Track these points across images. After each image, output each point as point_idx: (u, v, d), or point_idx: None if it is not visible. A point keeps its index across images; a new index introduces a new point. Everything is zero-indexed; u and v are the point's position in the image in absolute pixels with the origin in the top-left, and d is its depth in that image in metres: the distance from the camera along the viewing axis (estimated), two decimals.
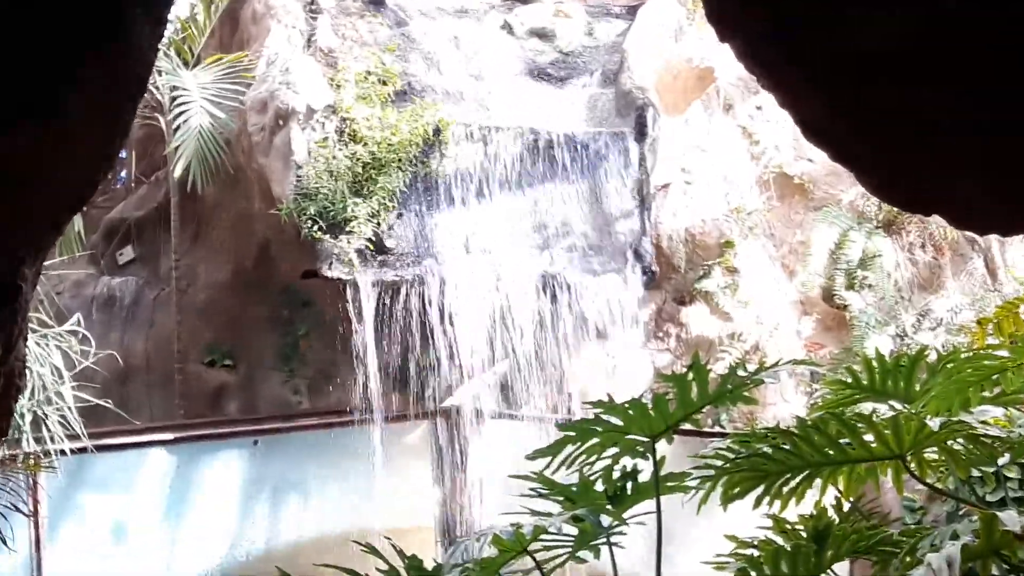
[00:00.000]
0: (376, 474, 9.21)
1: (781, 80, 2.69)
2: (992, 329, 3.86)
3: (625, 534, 4.90)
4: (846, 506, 5.25)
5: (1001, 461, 4.97)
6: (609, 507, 4.98)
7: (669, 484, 5.21)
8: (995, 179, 2.52)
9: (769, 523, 5.52)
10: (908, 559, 4.57)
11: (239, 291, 9.87)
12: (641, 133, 9.43)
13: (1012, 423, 5.01)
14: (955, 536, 4.41)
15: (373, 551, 5.34)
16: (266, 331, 9.81)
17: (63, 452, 7.41)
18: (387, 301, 8.72)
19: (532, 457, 5.07)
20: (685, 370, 4.95)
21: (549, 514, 5.10)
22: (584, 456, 4.98)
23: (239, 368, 10.01)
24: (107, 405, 7.75)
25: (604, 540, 4.85)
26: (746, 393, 4.91)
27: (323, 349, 9.03)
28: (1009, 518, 3.64)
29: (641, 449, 4.95)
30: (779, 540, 5.78)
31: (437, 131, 9.23)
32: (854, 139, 2.64)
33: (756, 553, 5.28)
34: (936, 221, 11.87)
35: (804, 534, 5.47)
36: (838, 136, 2.68)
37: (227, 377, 10.09)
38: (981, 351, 4.87)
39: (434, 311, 8.72)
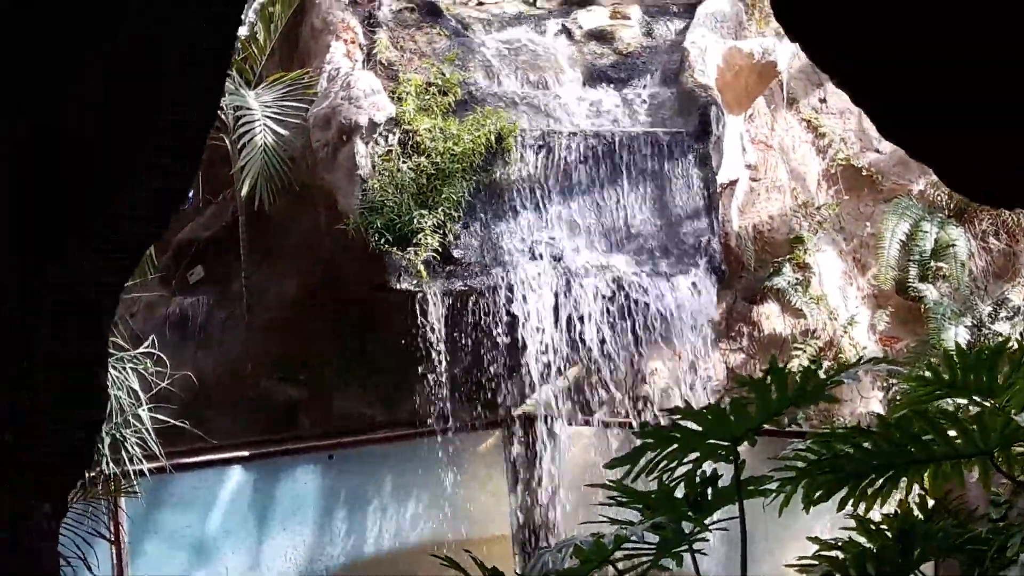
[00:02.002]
0: (451, 484, 9.11)
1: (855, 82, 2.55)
2: None
3: (708, 540, 4.72)
4: (931, 503, 5.03)
5: None
6: (690, 513, 4.82)
7: (751, 488, 5.03)
8: None
9: (852, 524, 5.32)
10: (998, 557, 4.33)
11: (308, 307, 9.80)
12: (705, 132, 9.22)
13: None
14: None
15: (452, 564, 5.20)
16: (336, 346, 9.74)
17: (142, 473, 7.39)
18: (456, 311, 8.61)
19: (611, 466, 4.91)
20: (763, 375, 4.78)
21: (630, 522, 4.95)
22: (664, 463, 4.81)
23: (310, 383, 9.95)
24: (183, 425, 7.71)
25: (686, 547, 4.69)
26: (827, 392, 4.73)
27: (394, 361, 8.92)
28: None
29: (723, 453, 4.78)
30: (863, 541, 5.57)
31: (499, 139, 9.09)
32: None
33: (840, 555, 5.07)
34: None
35: (889, 534, 5.25)
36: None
37: (299, 393, 10.03)
38: None
39: (503, 319, 8.59)
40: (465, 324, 8.60)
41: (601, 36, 10.75)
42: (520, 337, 8.66)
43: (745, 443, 4.66)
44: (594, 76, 10.27)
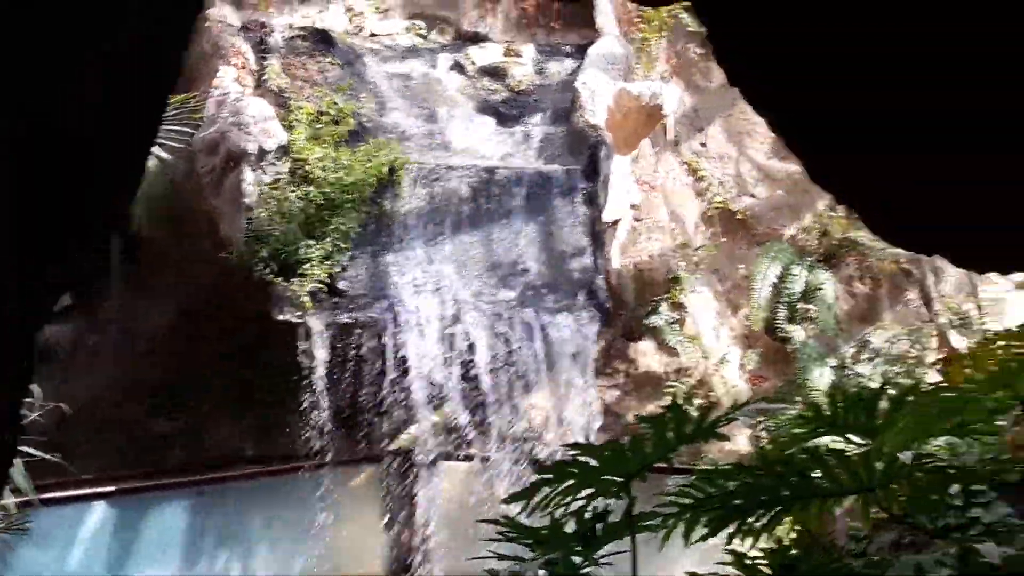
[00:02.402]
0: (325, 520, 8.96)
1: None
2: (968, 363, 3.79)
3: None
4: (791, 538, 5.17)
5: (953, 489, 4.93)
6: (579, 548, 4.85)
7: (642, 524, 5.08)
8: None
9: (728, 559, 5.42)
10: None
11: (185, 336, 9.55)
12: (593, 171, 9.36)
13: (955, 452, 4.98)
14: (920, 568, 4.31)
15: None
16: (213, 377, 9.49)
17: (2, 508, 7.09)
18: (340, 344, 8.50)
19: (508, 501, 4.91)
20: (663, 411, 4.86)
21: (520, 558, 4.95)
22: (559, 498, 4.84)
23: (184, 415, 9.67)
24: (51, 458, 7.39)
25: None
26: (718, 430, 4.82)
27: (273, 393, 8.76)
28: (988, 550, 3.54)
29: (615, 489, 4.83)
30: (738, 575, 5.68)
31: (392, 171, 9.06)
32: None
33: None
34: (874, 254, 11.96)
35: (766, 569, 5.36)
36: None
37: (171, 425, 9.74)
38: (943, 384, 4.81)
39: (388, 353, 8.52)
40: (349, 358, 8.49)
41: (494, 72, 10.83)
42: (402, 371, 8.60)
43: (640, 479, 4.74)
44: (486, 112, 10.33)
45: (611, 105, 10.33)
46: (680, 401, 10.51)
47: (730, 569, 5.72)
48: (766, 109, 2.43)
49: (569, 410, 8.97)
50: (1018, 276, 12.55)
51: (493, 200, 9.18)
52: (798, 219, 12.47)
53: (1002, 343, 3.59)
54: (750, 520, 4.68)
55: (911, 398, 4.99)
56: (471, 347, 8.65)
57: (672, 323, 11.00)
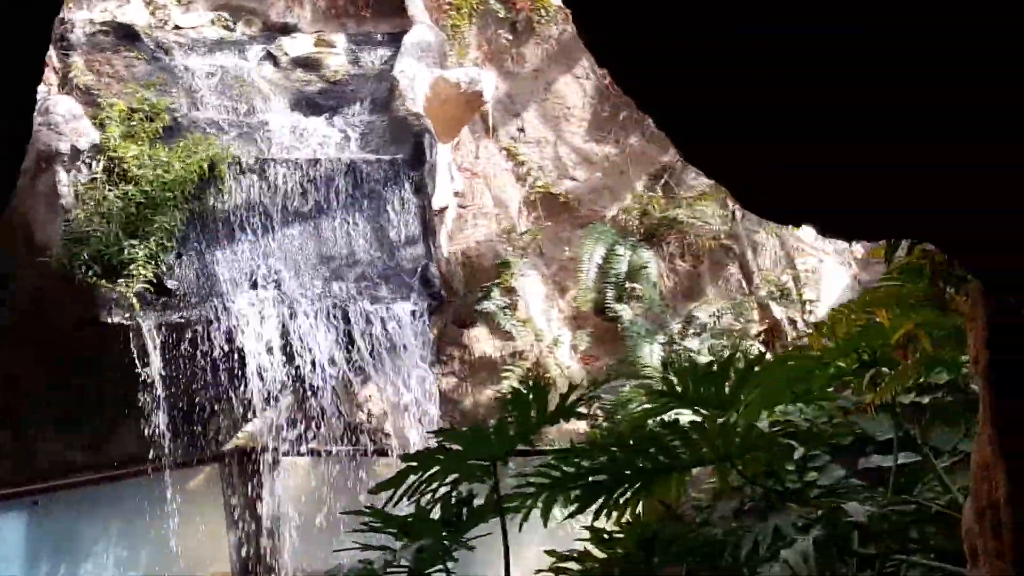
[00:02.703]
0: (167, 524, 8.95)
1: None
2: (826, 331, 4.17)
3: (456, 560, 4.99)
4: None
5: (796, 455, 5.37)
6: (446, 534, 5.09)
7: (507, 505, 5.36)
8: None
9: (586, 535, 5.75)
10: (733, 557, 4.86)
11: (5, 345, 9.35)
12: (419, 159, 9.57)
13: (794, 418, 5.43)
14: (777, 530, 4.74)
15: None
16: (41, 386, 9.31)
17: None
18: (173, 344, 8.50)
19: (375, 491, 5.11)
20: (526, 391, 5.14)
21: (387, 547, 5.16)
22: (425, 485, 5.07)
23: (11, 426, 9.47)
24: None
25: (441, 568, 4.93)
26: (579, 409, 5.14)
27: (106, 399, 8.68)
28: (853, 509, 3.94)
29: (480, 474, 5.08)
30: (595, 551, 6.05)
31: (212, 166, 9.06)
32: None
33: (576, 566, 5.48)
34: (693, 231, 12.59)
35: (623, 546, 5.73)
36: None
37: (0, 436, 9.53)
38: (791, 353, 5.27)
39: (222, 351, 8.57)
40: (183, 358, 8.51)
41: (307, 64, 10.93)
42: (237, 368, 8.66)
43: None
44: (303, 103, 10.44)
45: (429, 93, 10.57)
46: (520, 385, 10.89)
47: (588, 544, 6.09)
48: (635, 100, 2.69)
49: (409, 399, 9.20)
50: (832, 245, 13.42)
51: (320, 192, 9.29)
52: (618, 200, 13.00)
53: (850, 312, 3.99)
54: (615, 496, 5.02)
55: (757, 369, 5.45)
56: (306, 341, 8.78)
57: (504, 308, 11.35)
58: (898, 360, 3.91)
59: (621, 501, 5.03)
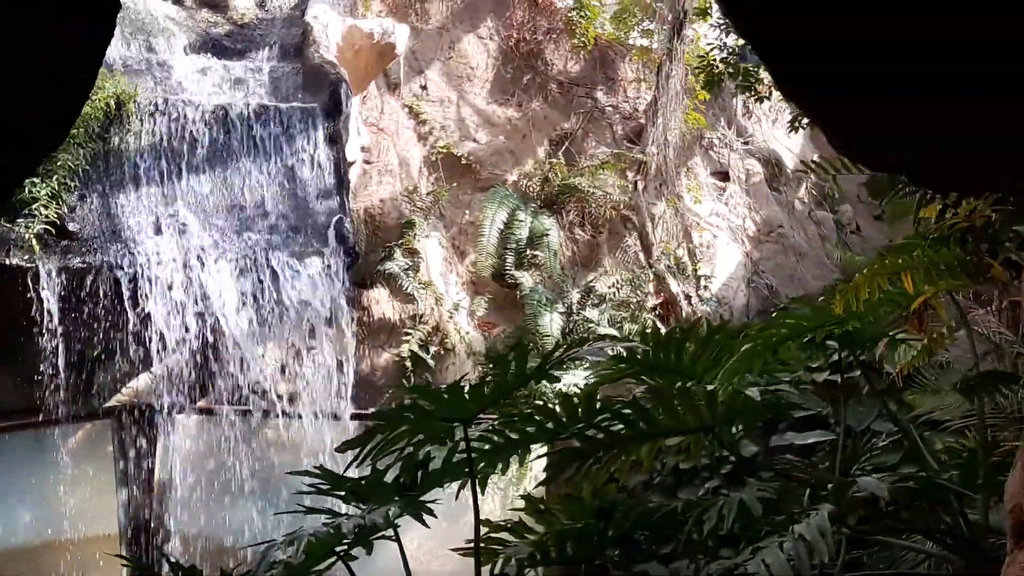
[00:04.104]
0: (55, 481, 8.60)
1: None
2: (850, 295, 4.18)
3: (398, 524, 4.88)
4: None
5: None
6: (398, 498, 4.97)
7: (474, 468, 5.28)
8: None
9: (521, 505, 5.71)
10: (695, 530, 4.87)
11: None
12: (335, 109, 9.32)
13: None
14: (743, 504, 4.76)
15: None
16: None
17: None
18: (72, 290, 8.12)
19: (342, 449, 4.97)
20: (507, 352, 5.05)
21: (332, 511, 5.02)
22: (393, 445, 4.94)
23: None
24: None
25: (392, 534, 4.83)
26: (552, 372, 5.07)
27: (2, 346, 8.25)
28: (869, 484, 3.97)
29: (443, 436, 4.98)
30: (530, 522, 6.02)
31: (119, 105, 8.67)
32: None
33: (508, 537, 5.44)
34: (594, 201, 12.61)
35: (569, 514, 5.70)
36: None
37: None
38: (766, 323, 5.28)
39: (125, 299, 8.22)
40: (84, 304, 8.13)
41: (214, 4, 10.54)
42: (139, 318, 8.32)
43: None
44: (209, 46, 10.07)
45: (341, 42, 10.32)
46: (416, 348, 10.63)
47: (523, 515, 6.05)
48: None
49: (321, 358, 9.01)
50: (726, 222, 13.63)
51: (232, 138, 8.98)
52: (520, 165, 12.95)
53: (873, 275, 4.00)
54: (589, 463, 4.98)
55: (717, 336, 5.47)
56: (211, 293, 8.50)
57: (407, 269, 11.19)
58: (912, 330, 3.97)
59: (594, 469, 5.01)
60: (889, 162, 2.66)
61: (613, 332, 11.58)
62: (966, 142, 2.54)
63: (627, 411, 4.65)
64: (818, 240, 14.41)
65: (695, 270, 13.04)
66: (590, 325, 11.73)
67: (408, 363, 11.04)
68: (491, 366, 4.63)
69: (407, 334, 11.08)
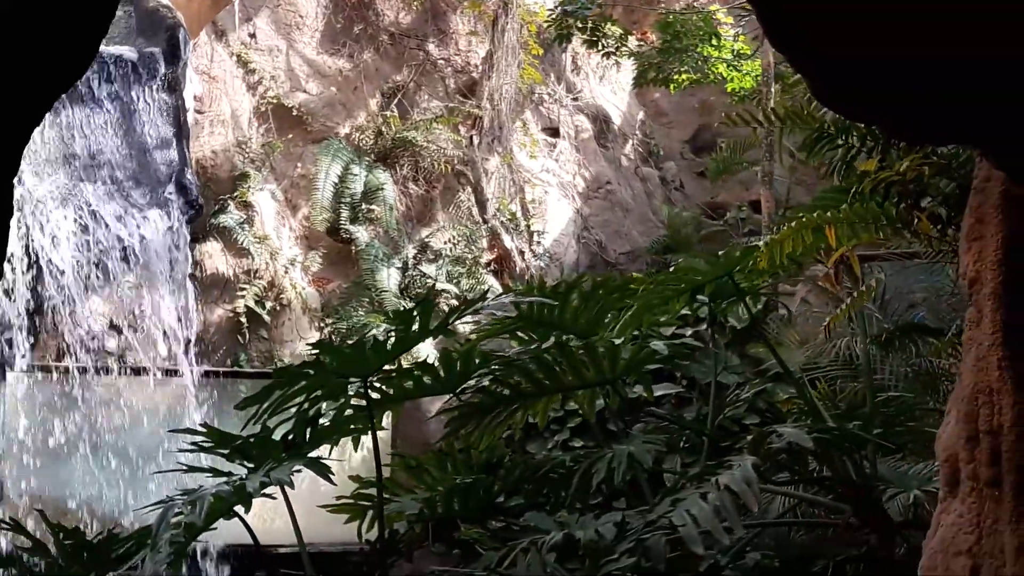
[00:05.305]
0: None
1: None
2: (774, 248, 4.28)
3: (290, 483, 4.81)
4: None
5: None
6: (284, 456, 4.91)
7: (355, 427, 5.24)
8: None
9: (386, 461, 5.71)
10: (583, 485, 4.97)
11: None
12: (174, 56, 8.96)
13: None
14: (631, 457, 4.88)
15: (17, 527, 4.83)
16: None
17: None
18: None
19: (242, 406, 4.86)
20: (412, 305, 5.01)
21: (216, 470, 4.93)
22: (286, 402, 4.86)
23: None
24: None
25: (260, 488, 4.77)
26: (449, 327, 5.06)
27: None
28: (792, 434, 4.08)
29: (341, 392, 4.93)
30: (404, 477, 6.05)
31: None
32: None
33: (373, 492, 5.44)
34: (428, 155, 12.55)
35: (435, 470, 5.74)
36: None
37: None
38: (657, 277, 5.39)
39: None
40: None
41: None
42: None
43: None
44: None
45: None
46: (251, 304, 10.44)
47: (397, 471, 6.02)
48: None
49: (162, 312, 8.73)
50: (556, 178, 13.79)
51: None
52: (352, 118, 12.76)
53: (800, 230, 4.10)
54: (488, 419, 5.00)
55: (600, 291, 5.55)
56: (45, 245, 8.12)
57: (241, 223, 10.94)
58: (826, 284, 4.10)
59: (493, 424, 5.04)
60: (869, 114, 2.75)
61: (451, 288, 11.61)
62: (943, 94, 2.63)
63: (532, 366, 4.69)
64: (644, 196, 14.71)
65: (528, 226, 13.16)
66: (427, 281, 11.72)
67: (243, 319, 10.83)
68: (397, 322, 4.59)
69: (242, 289, 10.86)
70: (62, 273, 8.22)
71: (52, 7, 2.36)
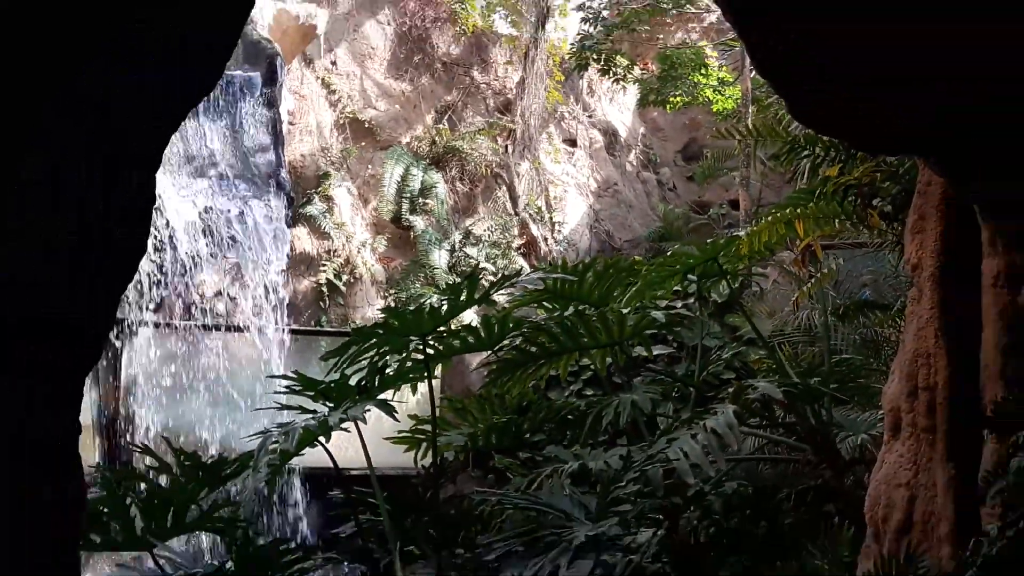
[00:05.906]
0: None
1: None
2: (754, 237, 4.26)
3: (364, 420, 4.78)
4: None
5: None
6: (358, 397, 4.91)
7: (413, 376, 5.22)
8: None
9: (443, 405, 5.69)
10: (594, 425, 4.94)
11: None
12: (272, 79, 9.01)
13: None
14: (635, 404, 4.84)
15: (147, 451, 4.85)
16: None
17: None
18: None
19: (325, 358, 4.86)
20: (462, 280, 5.00)
21: (303, 408, 4.92)
22: (361, 355, 4.85)
23: None
24: None
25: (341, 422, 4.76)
26: (489, 298, 5.03)
27: None
28: (766, 388, 4.06)
29: (404, 348, 4.91)
30: (451, 416, 6.01)
31: None
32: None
33: (428, 427, 5.42)
34: (472, 160, 12.53)
35: (477, 412, 5.70)
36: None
37: None
38: (659, 260, 5.38)
39: None
40: None
41: None
42: None
43: None
44: None
45: (271, 23, 9.96)
46: (331, 277, 10.34)
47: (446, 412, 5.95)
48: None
49: (262, 282, 8.76)
50: (573, 180, 13.72)
51: None
52: (412, 129, 12.75)
53: (776, 223, 4.05)
54: (518, 372, 4.98)
55: (611, 271, 5.50)
56: (174, 228, 8.16)
57: (324, 212, 10.96)
58: (794, 268, 4.09)
59: (523, 377, 5.02)
60: (836, 130, 2.71)
61: (489, 266, 11.59)
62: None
63: (556, 329, 4.68)
64: (644, 196, 14.65)
65: (551, 218, 13.12)
66: (471, 261, 11.71)
67: (324, 289, 10.86)
68: (449, 293, 4.57)
69: (323, 265, 10.87)
70: (184, 251, 8.26)
71: (207, 39, 2.35)
